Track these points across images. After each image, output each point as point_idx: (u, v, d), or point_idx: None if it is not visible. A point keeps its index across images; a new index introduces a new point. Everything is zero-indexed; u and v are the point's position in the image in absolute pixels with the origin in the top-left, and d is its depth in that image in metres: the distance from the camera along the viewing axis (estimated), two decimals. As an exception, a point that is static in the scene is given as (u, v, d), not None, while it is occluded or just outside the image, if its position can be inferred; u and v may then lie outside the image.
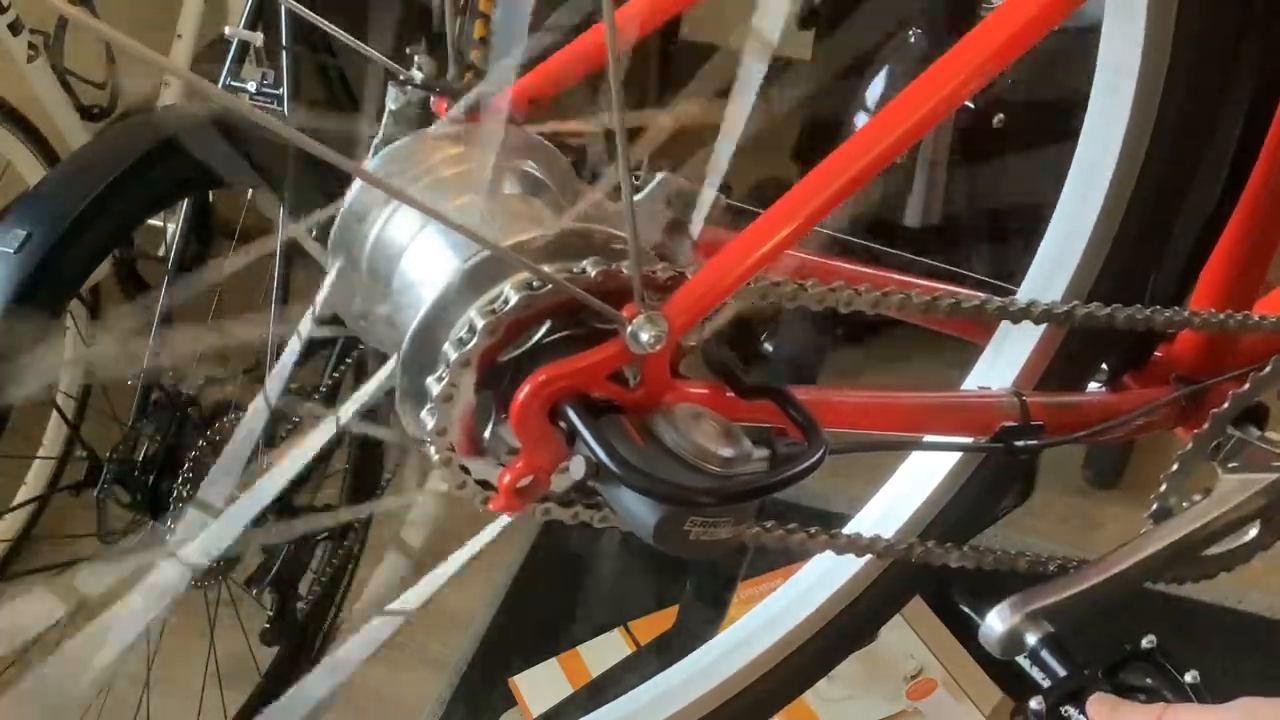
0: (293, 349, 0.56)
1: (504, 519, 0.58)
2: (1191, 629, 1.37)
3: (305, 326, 0.57)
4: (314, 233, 0.59)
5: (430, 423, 0.53)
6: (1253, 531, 0.82)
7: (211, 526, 0.50)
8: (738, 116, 0.54)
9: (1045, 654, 0.69)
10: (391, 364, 0.55)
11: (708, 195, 0.55)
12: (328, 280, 0.59)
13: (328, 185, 0.58)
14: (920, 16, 1.43)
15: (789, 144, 1.76)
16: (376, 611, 0.55)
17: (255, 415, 0.56)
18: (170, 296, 1.16)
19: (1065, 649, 0.69)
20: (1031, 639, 0.70)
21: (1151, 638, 0.73)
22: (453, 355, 0.52)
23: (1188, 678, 0.71)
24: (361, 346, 1.23)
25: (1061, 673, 0.68)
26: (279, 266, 1.17)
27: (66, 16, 1.51)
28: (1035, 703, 0.68)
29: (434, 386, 0.52)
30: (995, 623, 0.71)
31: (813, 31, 1.66)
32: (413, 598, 0.57)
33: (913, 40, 1.43)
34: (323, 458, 1.39)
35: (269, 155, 0.97)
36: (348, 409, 0.54)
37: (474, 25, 1.46)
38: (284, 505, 1.31)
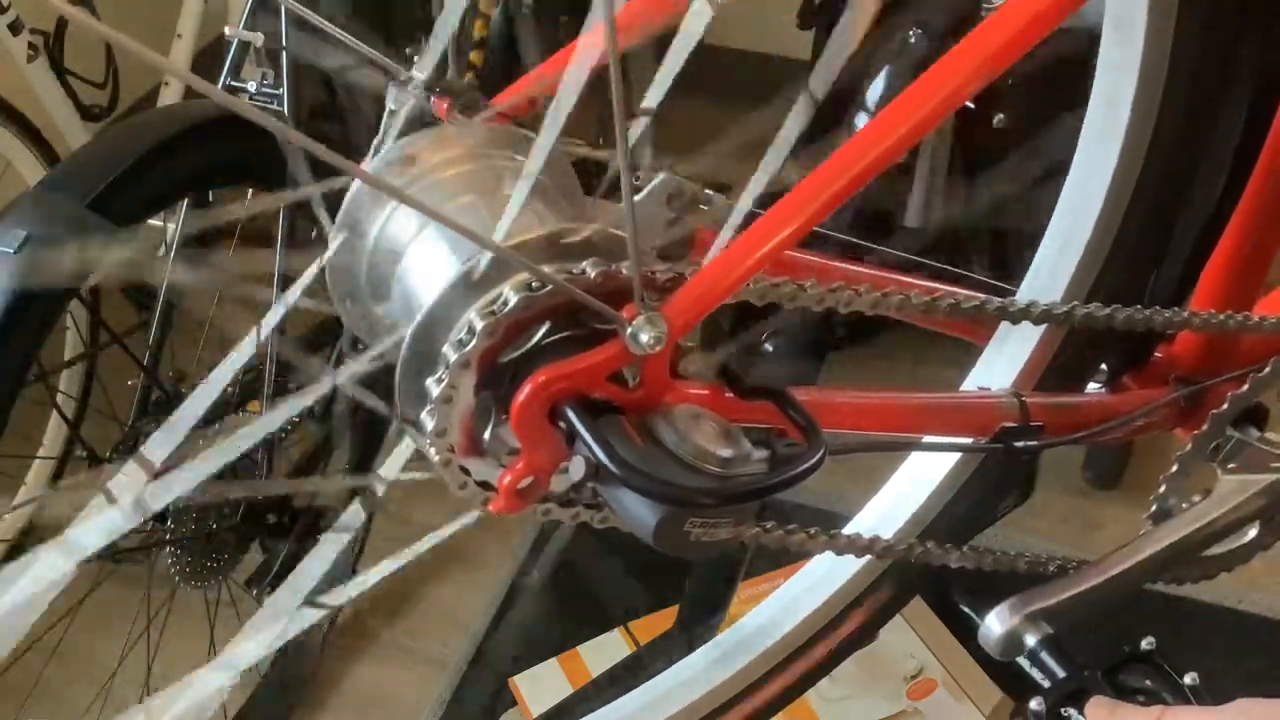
0: (281, 306, 0.55)
1: (462, 521, 0.57)
2: (1192, 630, 1.37)
3: (297, 290, 0.56)
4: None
5: (430, 424, 0.53)
6: (1252, 532, 0.82)
7: (167, 477, 0.49)
8: (778, 154, 0.54)
9: (1044, 655, 0.69)
10: (393, 338, 0.54)
11: (735, 218, 0.55)
12: (329, 251, 0.59)
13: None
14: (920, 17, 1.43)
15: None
16: (304, 602, 0.53)
17: (234, 359, 0.54)
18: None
19: (1065, 650, 0.69)
20: (1031, 640, 0.70)
21: (1151, 639, 0.73)
22: (452, 356, 0.52)
23: (1187, 679, 0.71)
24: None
25: (1061, 674, 0.68)
26: (277, 274, 1.17)
27: (66, 16, 1.51)
28: (1035, 703, 0.68)
29: (434, 388, 0.52)
30: (994, 624, 0.71)
31: (812, 32, 1.66)
32: (341, 594, 0.55)
33: (913, 40, 1.43)
34: (323, 454, 1.40)
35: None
36: (344, 372, 0.54)
37: (473, 25, 1.46)
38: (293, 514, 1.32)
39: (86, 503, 0.47)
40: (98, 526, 0.46)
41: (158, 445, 0.48)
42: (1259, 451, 0.79)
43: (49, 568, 0.45)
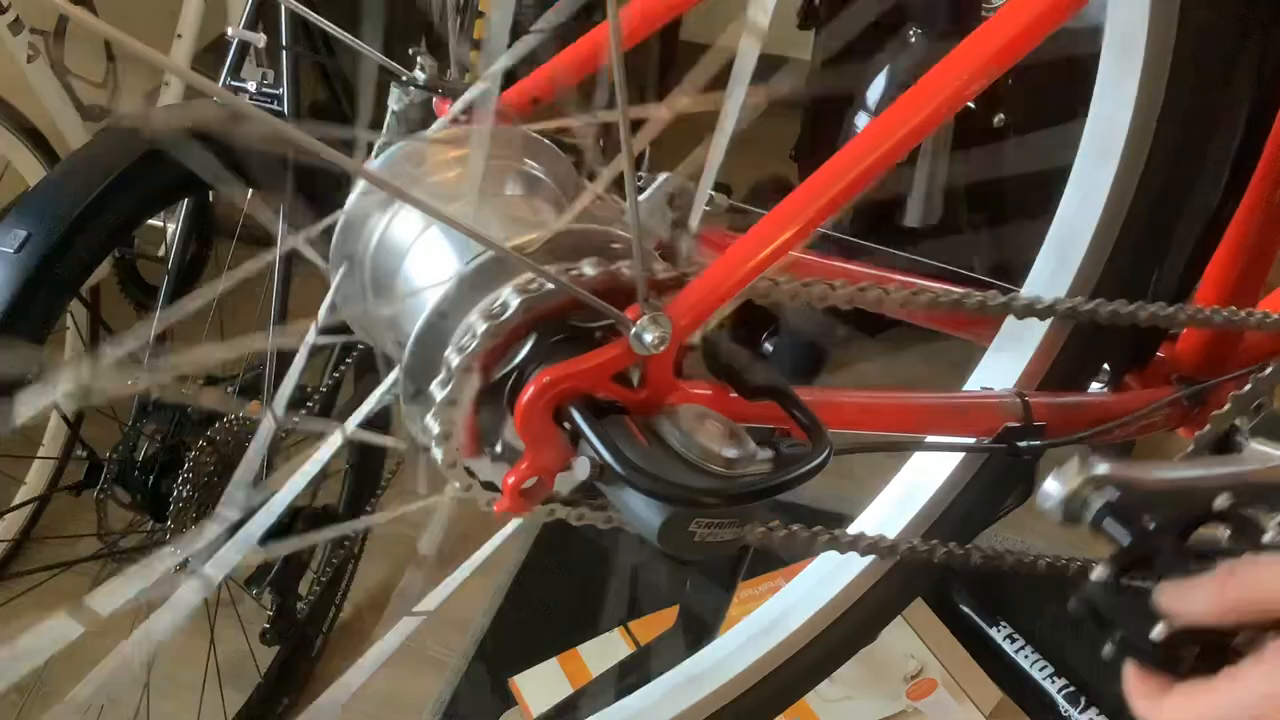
0: (299, 361, 0.56)
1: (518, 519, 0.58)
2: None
3: (310, 336, 0.57)
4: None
5: (435, 426, 0.53)
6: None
7: (229, 541, 0.51)
8: (732, 109, 0.53)
9: (1109, 523, 0.59)
10: (396, 372, 0.55)
11: (703, 189, 0.55)
12: (331, 288, 0.59)
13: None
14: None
15: (789, 144, 1.76)
16: (404, 612, 0.56)
17: (265, 429, 0.56)
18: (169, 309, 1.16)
19: (1131, 514, 0.59)
20: (1096, 504, 0.60)
21: (1226, 494, 0.60)
22: (455, 359, 0.52)
23: (1269, 535, 0.58)
24: (360, 347, 1.23)
25: (1125, 540, 0.58)
26: (279, 272, 1.17)
27: (67, 16, 1.51)
28: (1096, 573, 0.57)
29: (438, 390, 0.52)
30: (1053, 487, 0.61)
31: (812, 31, 1.66)
32: (432, 599, 0.58)
33: (913, 40, 1.43)
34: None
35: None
36: (353, 420, 0.54)
37: (473, 26, 1.46)
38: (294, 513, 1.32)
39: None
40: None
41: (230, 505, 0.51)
42: (1260, 451, 0.79)
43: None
